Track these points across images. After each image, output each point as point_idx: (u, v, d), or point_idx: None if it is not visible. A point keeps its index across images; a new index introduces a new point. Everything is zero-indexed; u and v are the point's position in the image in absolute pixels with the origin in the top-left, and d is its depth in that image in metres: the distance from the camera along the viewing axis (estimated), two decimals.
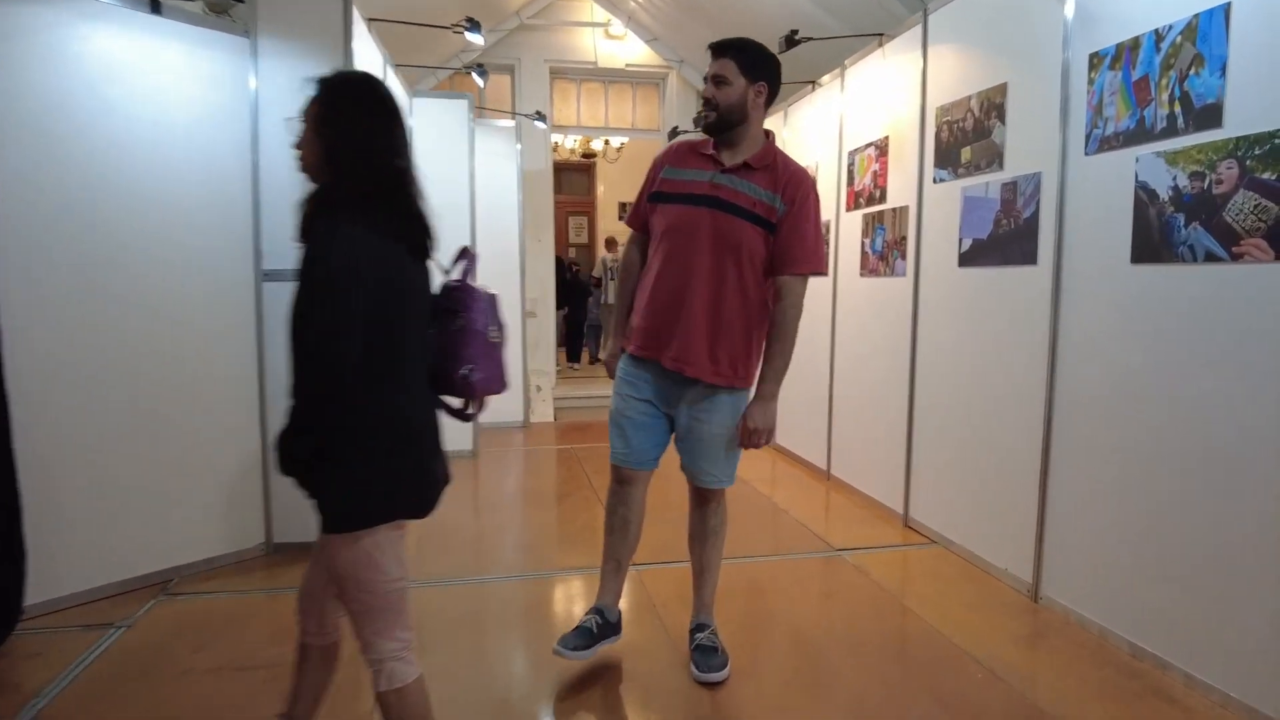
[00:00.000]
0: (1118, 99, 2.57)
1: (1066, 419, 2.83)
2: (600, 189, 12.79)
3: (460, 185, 5.34)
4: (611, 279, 9.66)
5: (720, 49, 2.27)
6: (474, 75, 5.26)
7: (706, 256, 2.22)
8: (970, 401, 3.40)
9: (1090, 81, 2.68)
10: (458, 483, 4.75)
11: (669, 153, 2.41)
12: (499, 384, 1.72)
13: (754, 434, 2.28)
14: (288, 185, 3.44)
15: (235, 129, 3.29)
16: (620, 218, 12.92)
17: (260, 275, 3.36)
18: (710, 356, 2.25)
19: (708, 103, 2.26)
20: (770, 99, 2.31)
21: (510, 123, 6.47)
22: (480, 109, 7.28)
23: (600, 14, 7.65)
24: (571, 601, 3.05)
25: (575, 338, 10.02)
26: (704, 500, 2.45)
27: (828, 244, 4.81)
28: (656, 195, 2.36)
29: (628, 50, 7.78)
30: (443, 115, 5.32)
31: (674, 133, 7.11)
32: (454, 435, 5.37)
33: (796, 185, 2.23)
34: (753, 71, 2.24)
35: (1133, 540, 2.54)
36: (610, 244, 10.26)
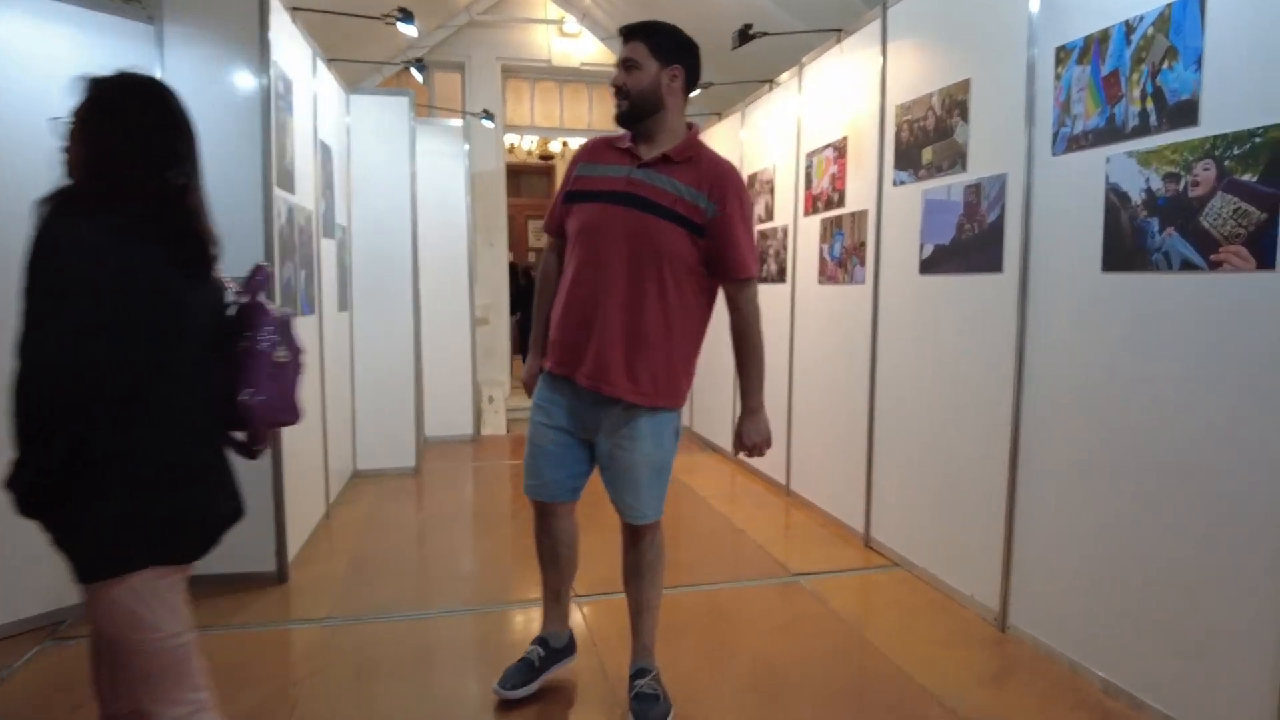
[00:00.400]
0: (1086, 95, 2.39)
1: (1034, 434, 2.65)
2: None
3: (400, 187, 5.08)
4: None
5: (629, 32, 2.09)
6: (412, 70, 4.99)
7: (623, 260, 2.02)
8: (932, 416, 3.21)
9: (1057, 77, 2.51)
10: (398, 504, 4.53)
11: (584, 149, 2.22)
12: (286, 411, 1.53)
13: (753, 449, 2.19)
14: (220, 185, 3.20)
15: None
16: None
17: None
18: (629, 373, 2.04)
19: (619, 90, 2.08)
20: (689, 85, 2.13)
21: (458, 122, 6.20)
22: (430, 108, 7.01)
23: (554, 11, 7.40)
24: (522, 637, 2.80)
25: None
26: (635, 536, 2.24)
27: (785, 250, 4.62)
28: (571, 195, 2.17)
29: (583, 49, 7.54)
30: (382, 114, 5.06)
31: None
32: (395, 451, 5.22)
33: (725, 183, 2.03)
34: (665, 54, 2.06)
35: (1103, 566, 2.36)
36: None
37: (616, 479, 2.14)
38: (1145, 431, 2.22)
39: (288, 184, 3.46)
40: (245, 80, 3.12)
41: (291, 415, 1.55)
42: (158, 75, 3.00)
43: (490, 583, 3.39)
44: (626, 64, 2.06)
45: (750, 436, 2.17)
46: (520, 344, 9.57)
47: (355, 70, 6.02)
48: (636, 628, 2.29)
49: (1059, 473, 2.54)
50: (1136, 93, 2.22)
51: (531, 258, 11.88)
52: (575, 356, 2.08)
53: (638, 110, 2.06)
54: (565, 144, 10.53)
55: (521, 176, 11.95)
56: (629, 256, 2.01)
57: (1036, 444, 2.64)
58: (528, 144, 10.49)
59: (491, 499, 4.84)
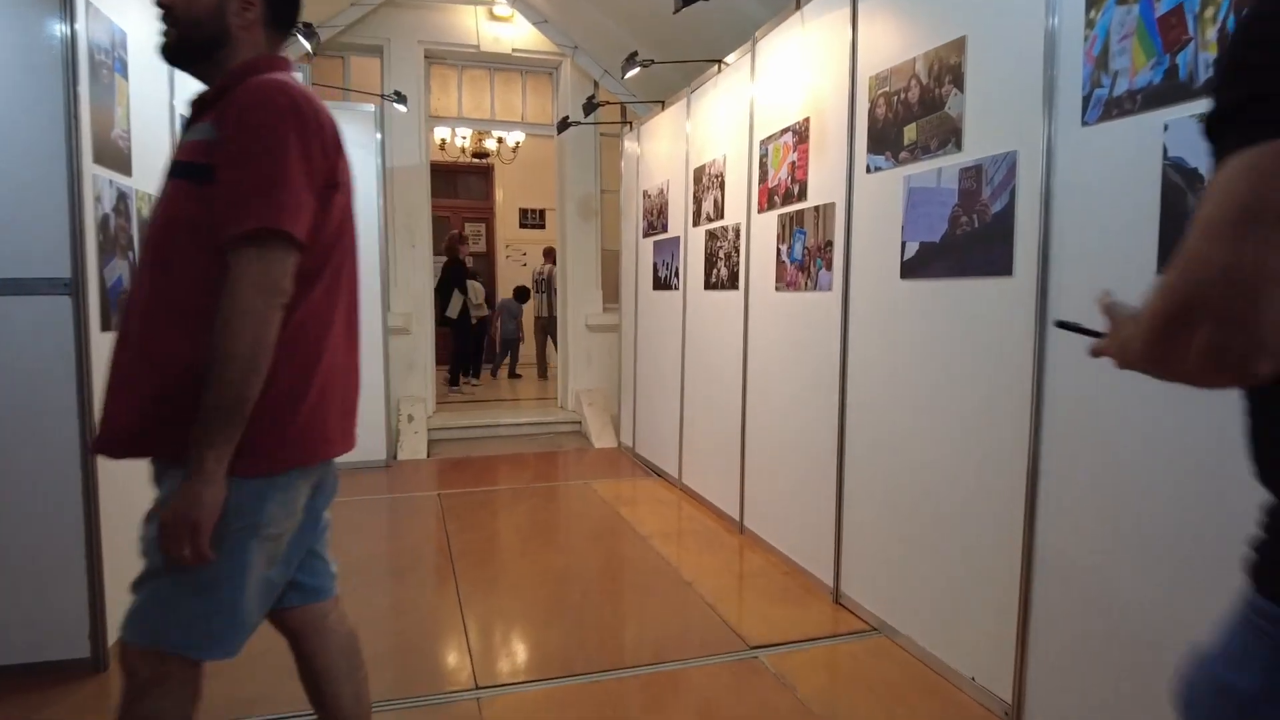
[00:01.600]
0: (1133, 44, 1.83)
1: (1060, 476, 2.08)
2: (500, 194, 11.85)
3: None
4: (540, 291, 9.46)
5: None
6: (299, 37, 4.27)
7: (139, 257, 1.48)
8: (919, 449, 2.63)
9: (1089, 23, 1.95)
10: None
11: None
12: None
13: (163, 530, 1.28)
14: (11, 163, 2.48)
15: None
16: (521, 224, 12.03)
17: None
18: (126, 403, 1.35)
19: (165, 14, 1.44)
20: (277, 22, 1.51)
21: (370, 107, 5.50)
22: (344, 91, 6.29)
23: None
24: None
25: (462, 357, 8.99)
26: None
27: (737, 252, 4.02)
28: None
29: (515, 34, 6.88)
30: None
31: (564, 124, 6.25)
32: None
33: (236, 102, 1.35)
34: None
35: (1150, 651, 1.79)
36: (549, 254, 9.62)
37: None
38: (1217, 483, 1.66)
39: (118, 163, 2.74)
40: (42, 25, 2.40)
41: None
42: None
43: (409, 663, 2.62)
44: None
45: (168, 507, 1.28)
46: (452, 356, 8.84)
47: None
48: None
49: (1093, 527, 1.97)
50: (1211, 34, 1.66)
51: (470, 262, 11.15)
52: None
53: (189, 44, 1.45)
54: (501, 140, 9.87)
55: (458, 177, 11.24)
56: (143, 250, 1.43)
57: (1062, 487, 2.07)
58: (460, 140, 9.80)
59: (409, 542, 4.07)
